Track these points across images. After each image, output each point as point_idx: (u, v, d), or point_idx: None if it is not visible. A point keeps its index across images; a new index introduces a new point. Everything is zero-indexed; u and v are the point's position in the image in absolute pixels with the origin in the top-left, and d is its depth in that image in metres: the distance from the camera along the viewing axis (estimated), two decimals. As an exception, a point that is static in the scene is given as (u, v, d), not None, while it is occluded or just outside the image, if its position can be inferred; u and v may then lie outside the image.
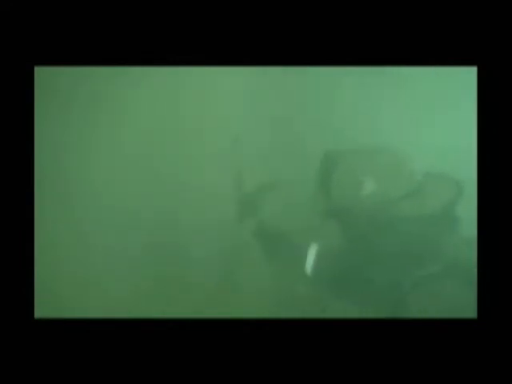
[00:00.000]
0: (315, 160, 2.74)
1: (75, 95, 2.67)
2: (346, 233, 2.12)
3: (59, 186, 2.66)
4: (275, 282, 2.55)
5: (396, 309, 2.10)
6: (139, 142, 2.72)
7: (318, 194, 2.16)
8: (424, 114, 2.66)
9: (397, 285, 2.10)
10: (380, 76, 2.66)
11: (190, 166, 2.76)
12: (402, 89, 2.69)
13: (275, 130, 2.79)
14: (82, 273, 2.64)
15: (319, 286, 2.19)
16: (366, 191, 2.07)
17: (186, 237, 2.75)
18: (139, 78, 2.69)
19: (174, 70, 2.54)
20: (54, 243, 2.63)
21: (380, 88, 2.72)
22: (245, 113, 2.78)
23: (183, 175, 2.75)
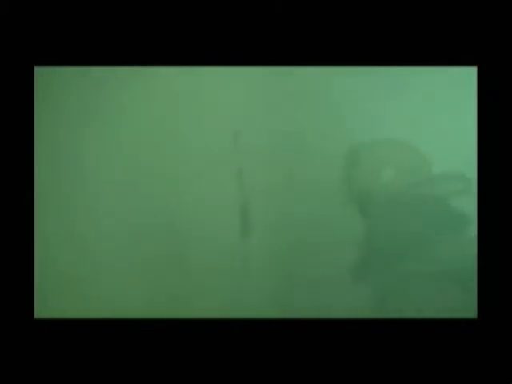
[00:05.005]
0: (317, 160, 2.74)
1: (75, 95, 2.67)
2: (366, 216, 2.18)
3: (59, 185, 2.66)
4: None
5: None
6: (140, 143, 2.72)
7: (341, 185, 2.24)
8: (423, 114, 2.67)
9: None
10: (379, 76, 2.66)
11: (190, 166, 2.76)
12: (400, 89, 2.69)
13: (276, 130, 2.79)
14: (82, 272, 2.65)
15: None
16: (386, 178, 2.16)
17: (187, 237, 2.75)
18: (141, 78, 2.69)
19: (174, 70, 2.55)
20: (54, 242, 2.63)
21: (379, 88, 2.72)
22: (245, 113, 2.78)
23: (184, 175, 2.76)
